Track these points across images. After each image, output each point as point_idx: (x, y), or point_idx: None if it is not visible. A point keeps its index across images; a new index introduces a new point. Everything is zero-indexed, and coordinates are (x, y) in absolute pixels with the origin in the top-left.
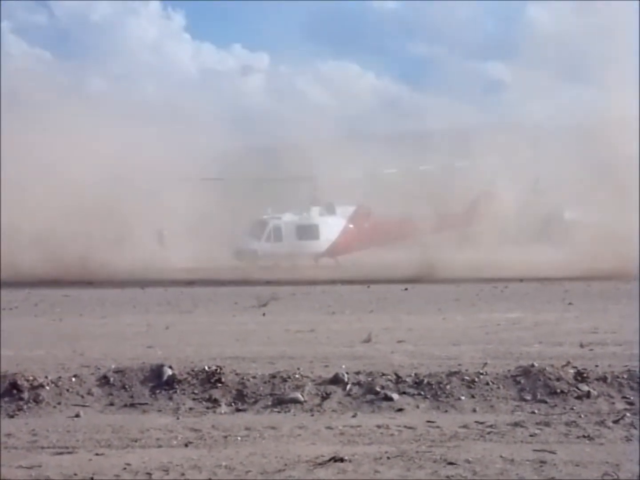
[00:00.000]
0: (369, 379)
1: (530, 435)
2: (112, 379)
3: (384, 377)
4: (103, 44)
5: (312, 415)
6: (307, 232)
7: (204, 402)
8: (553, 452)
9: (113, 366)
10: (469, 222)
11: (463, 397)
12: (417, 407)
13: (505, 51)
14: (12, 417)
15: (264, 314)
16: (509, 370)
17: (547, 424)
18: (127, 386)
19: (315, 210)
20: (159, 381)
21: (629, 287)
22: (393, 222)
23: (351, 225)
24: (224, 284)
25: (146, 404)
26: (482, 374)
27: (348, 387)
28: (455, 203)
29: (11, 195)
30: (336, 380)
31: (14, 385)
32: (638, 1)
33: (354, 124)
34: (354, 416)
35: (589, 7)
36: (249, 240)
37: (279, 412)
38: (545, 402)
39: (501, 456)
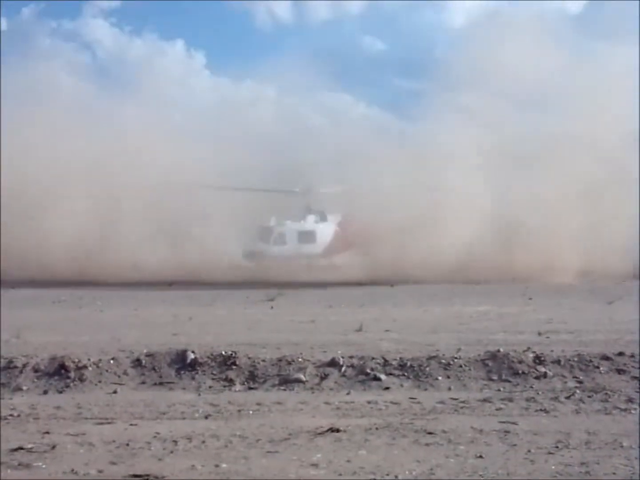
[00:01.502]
0: (361, 362)
1: (496, 409)
2: (144, 362)
3: (373, 360)
4: (138, 79)
5: (313, 393)
6: (306, 237)
7: (221, 382)
8: (515, 423)
9: (145, 351)
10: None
11: (440, 378)
12: (402, 386)
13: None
14: (60, 392)
15: (271, 307)
16: (478, 355)
17: (510, 400)
18: (156, 367)
19: (311, 218)
20: (183, 363)
21: (580, 284)
22: (370, 226)
23: (339, 230)
24: (237, 282)
25: (172, 382)
26: (456, 358)
27: (343, 369)
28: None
29: (59, 201)
30: (333, 363)
31: (62, 366)
32: (638, 1)
33: (346, 146)
34: (348, 393)
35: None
36: (257, 244)
37: (284, 390)
38: (509, 382)
39: (472, 427)
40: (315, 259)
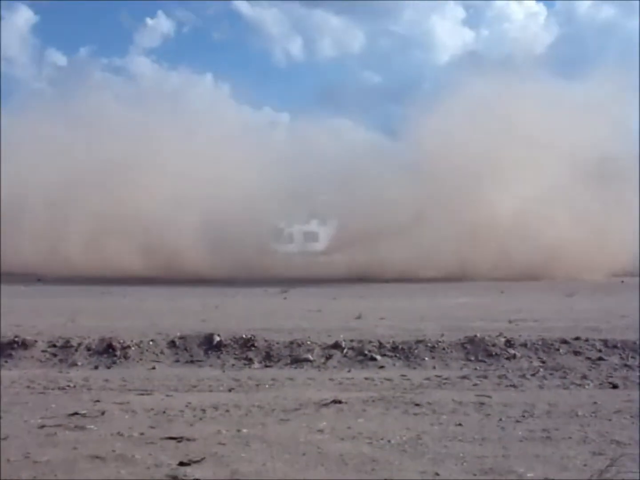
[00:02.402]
0: (360, 345)
1: (473, 385)
2: (177, 343)
3: (370, 343)
4: (174, 106)
5: (319, 370)
6: (311, 237)
7: (242, 360)
8: (489, 397)
9: (178, 334)
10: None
11: (426, 358)
12: (394, 365)
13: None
14: (108, 368)
15: (284, 299)
16: (459, 339)
17: (485, 377)
18: (188, 348)
19: (314, 221)
20: (210, 345)
21: (547, 281)
22: (363, 230)
23: (337, 232)
24: (255, 278)
25: (201, 361)
26: (440, 341)
27: (345, 350)
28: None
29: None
30: (336, 345)
31: (110, 346)
32: (638, 2)
33: (346, 161)
34: (349, 371)
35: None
36: (271, 243)
37: (295, 368)
38: (484, 362)
39: (452, 399)
40: (318, 256)
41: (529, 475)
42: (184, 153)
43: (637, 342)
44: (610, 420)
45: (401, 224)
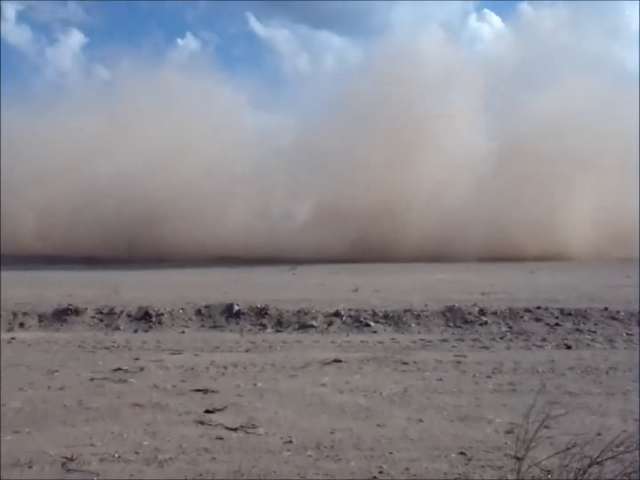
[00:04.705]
0: (356, 313)
1: (452, 347)
2: (203, 311)
3: (365, 312)
4: (202, 112)
5: (322, 335)
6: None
7: (257, 326)
8: (465, 356)
9: (204, 303)
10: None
11: (413, 325)
12: (385, 330)
13: None
14: (146, 331)
15: (293, 274)
16: (440, 309)
17: (462, 340)
18: (211, 315)
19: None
20: (230, 313)
21: (515, 261)
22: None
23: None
24: (268, 257)
25: (223, 326)
26: (424, 310)
27: (344, 318)
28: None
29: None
30: (337, 314)
31: (147, 313)
32: (638, 2)
33: (341, 156)
34: (347, 335)
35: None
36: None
37: (302, 332)
38: (461, 327)
39: (434, 359)
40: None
41: (497, 420)
42: (211, 148)
43: (587, 310)
44: (564, 375)
45: (380, 208)
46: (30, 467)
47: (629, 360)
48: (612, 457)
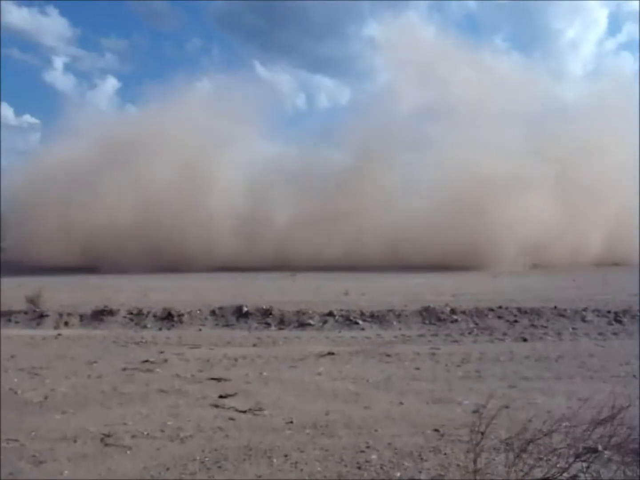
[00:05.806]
0: (347, 313)
1: (428, 341)
2: (217, 312)
3: (354, 312)
4: (221, 143)
5: (318, 331)
6: None
7: (263, 324)
8: (438, 349)
9: (217, 305)
10: None
11: (394, 322)
12: (371, 327)
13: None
14: (169, 329)
15: (293, 281)
16: (417, 308)
17: (436, 335)
18: (224, 315)
19: None
20: (240, 313)
21: (480, 268)
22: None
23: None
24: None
25: (234, 325)
26: (404, 310)
27: (336, 317)
28: None
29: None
30: (330, 313)
31: (169, 314)
32: (639, 1)
33: (334, 179)
34: (339, 332)
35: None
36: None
37: (301, 330)
38: (435, 324)
39: (413, 351)
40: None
41: (465, 402)
42: (229, 170)
43: (540, 308)
44: (521, 363)
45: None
46: (75, 441)
47: (574, 350)
48: (556, 430)
